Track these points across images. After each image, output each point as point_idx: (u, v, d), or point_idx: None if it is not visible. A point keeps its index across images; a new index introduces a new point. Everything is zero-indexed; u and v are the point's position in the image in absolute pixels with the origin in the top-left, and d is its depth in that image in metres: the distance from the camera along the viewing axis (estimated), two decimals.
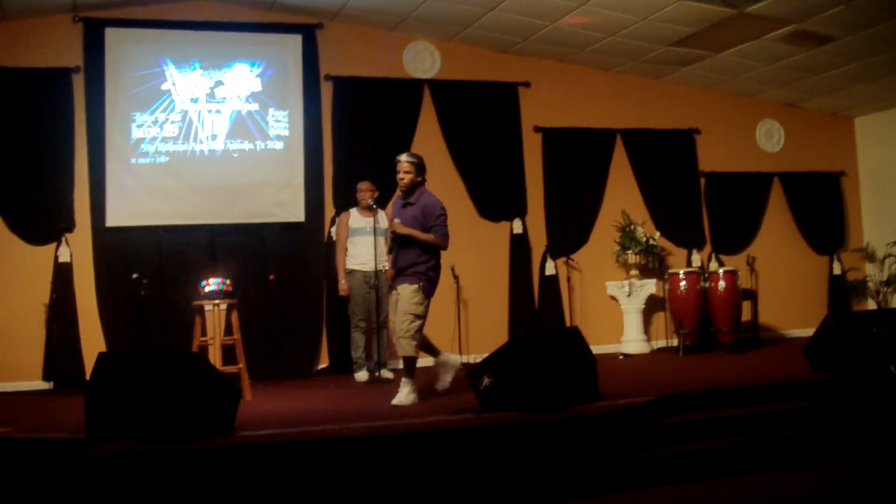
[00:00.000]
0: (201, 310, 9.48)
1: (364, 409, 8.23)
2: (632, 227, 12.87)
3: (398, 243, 8.59)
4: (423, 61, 12.57)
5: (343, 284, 10.70)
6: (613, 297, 13.02)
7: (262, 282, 11.48)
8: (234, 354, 9.54)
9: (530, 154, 12.95)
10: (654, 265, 12.96)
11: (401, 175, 8.74)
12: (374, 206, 10.38)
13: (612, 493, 6.58)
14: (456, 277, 11.76)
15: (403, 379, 8.44)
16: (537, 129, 13.00)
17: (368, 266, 10.35)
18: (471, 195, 12.63)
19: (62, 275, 11.14)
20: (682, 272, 12.33)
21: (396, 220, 8.63)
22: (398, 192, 8.93)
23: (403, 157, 8.86)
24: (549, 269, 12.88)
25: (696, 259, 13.51)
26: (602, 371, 7.94)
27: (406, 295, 8.42)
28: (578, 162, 13.11)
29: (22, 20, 11.27)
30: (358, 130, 12.20)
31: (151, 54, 11.64)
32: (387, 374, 10.70)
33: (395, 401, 8.29)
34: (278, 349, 11.42)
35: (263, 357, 11.07)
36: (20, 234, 11.13)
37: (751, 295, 12.69)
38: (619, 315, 12.95)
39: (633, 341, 12.76)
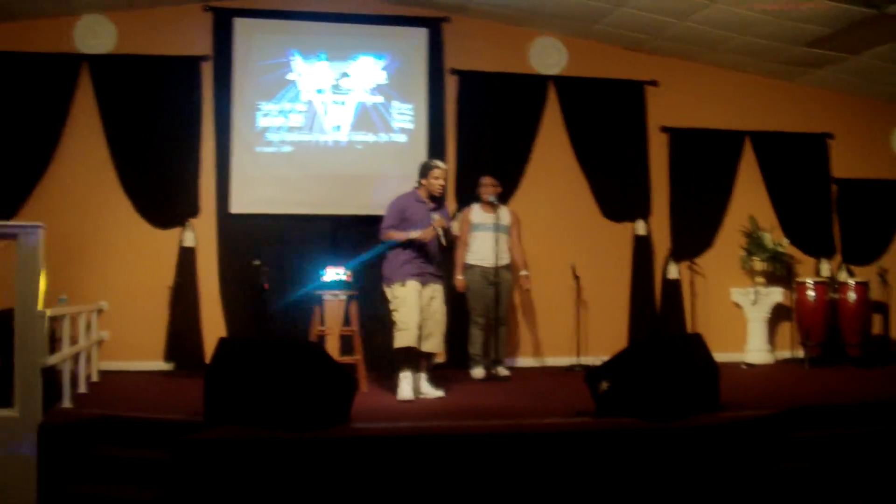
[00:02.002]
0: (320, 299, 9.56)
1: (478, 406, 8.20)
2: (759, 232, 12.55)
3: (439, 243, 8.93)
4: (548, 57, 12.47)
5: (460, 280, 10.72)
6: (738, 305, 12.72)
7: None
8: (352, 345, 9.61)
9: (656, 154, 12.72)
10: (781, 273, 12.59)
11: (442, 182, 8.99)
12: (497, 202, 10.41)
13: None
14: (577, 278, 11.66)
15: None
16: (664, 130, 12.78)
17: (488, 262, 10.35)
18: (594, 195, 12.45)
19: (186, 259, 11.37)
20: (810, 281, 12.06)
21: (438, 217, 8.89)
22: (424, 196, 9.03)
23: (445, 166, 9.22)
24: (672, 272, 12.64)
25: (826, 268, 13.05)
26: (724, 380, 7.69)
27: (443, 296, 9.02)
28: (705, 164, 12.82)
29: (153, 9, 11.52)
30: (481, 125, 12.14)
31: (279, 45, 11.79)
32: (503, 371, 10.65)
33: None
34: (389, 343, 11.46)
35: (381, 349, 11.11)
36: (147, 217, 11.37)
37: (882, 308, 12.30)
38: (743, 323, 12.63)
39: (756, 351, 12.43)
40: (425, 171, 8.99)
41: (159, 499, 6.27)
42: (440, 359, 11.31)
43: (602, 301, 12.31)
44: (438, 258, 9.01)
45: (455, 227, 10.41)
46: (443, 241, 8.83)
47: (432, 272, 8.90)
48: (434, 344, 8.85)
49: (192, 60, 11.58)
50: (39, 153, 11.16)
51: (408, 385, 8.55)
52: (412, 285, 8.68)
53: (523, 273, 10.76)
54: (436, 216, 8.80)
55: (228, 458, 6.32)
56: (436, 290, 8.90)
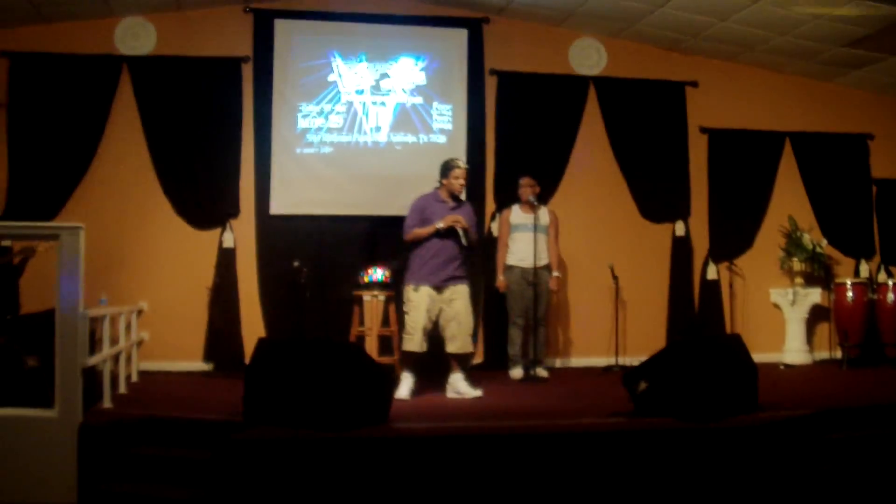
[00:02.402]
0: (360, 300, 9.58)
1: (516, 407, 8.16)
2: (798, 233, 12.43)
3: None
4: (588, 58, 12.40)
5: (501, 280, 10.70)
6: (776, 305, 12.62)
7: None
8: (391, 345, 9.62)
9: (695, 155, 12.64)
10: (819, 273, 12.50)
11: (462, 181, 9.02)
12: (536, 202, 10.39)
13: None
14: (615, 278, 11.62)
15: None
16: (703, 130, 12.68)
17: (527, 262, 10.31)
18: (633, 195, 12.40)
19: (225, 260, 11.41)
20: (849, 282, 11.96)
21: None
22: (445, 196, 9.05)
23: (465, 165, 9.23)
24: (711, 273, 12.55)
25: (865, 269, 12.90)
26: (762, 381, 7.58)
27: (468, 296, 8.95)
28: (745, 164, 12.72)
29: (195, 10, 11.57)
30: (521, 126, 12.11)
31: (319, 46, 11.80)
32: (542, 372, 10.57)
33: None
34: (434, 343, 11.44)
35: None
36: (187, 218, 11.43)
37: None
38: (782, 323, 12.51)
39: (795, 351, 12.31)
40: (446, 170, 8.98)
41: (199, 499, 6.30)
42: (478, 359, 11.32)
43: (640, 301, 12.26)
44: (461, 258, 8.93)
45: (495, 228, 10.39)
46: (463, 240, 8.79)
47: (453, 274, 8.83)
48: (459, 345, 8.80)
49: (232, 62, 11.62)
50: (80, 155, 11.23)
51: (406, 386, 8.60)
52: (424, 291, 8.69)
53: (555, 274, 10.71)
54: (455, 216, 8.81)
55: (268, 458, 6.31)
56: (456, 292, 8.82)
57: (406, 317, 8.77)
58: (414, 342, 8.63)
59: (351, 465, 6.32)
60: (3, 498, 6.42)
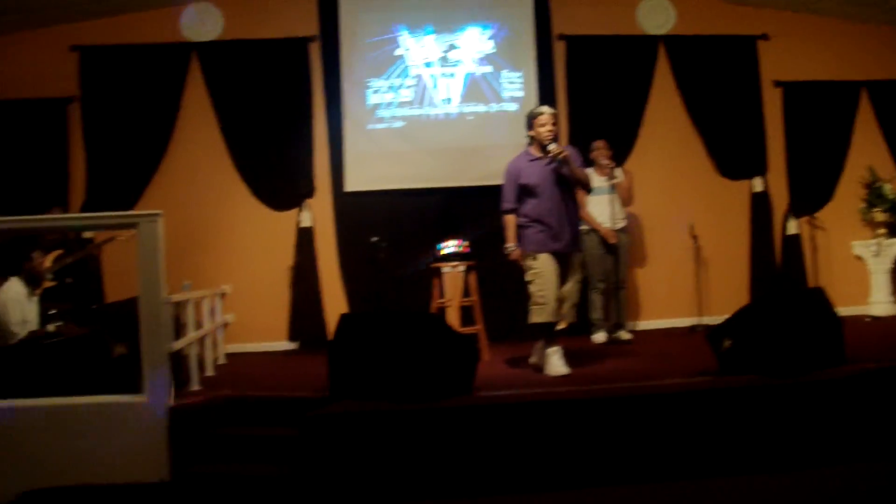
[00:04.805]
0: (439, 272, 9.55)
1: (601, 371, 8.07)
2: (879, 183, 12.06)
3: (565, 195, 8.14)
4: (657, 17, 12.10)
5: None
6: (859, 257, 12.24)
7: (500, 243, 11.41)
8: (472, 316, 9.58)
9: (770, 109, 12.31)
10: None
11: (550, 127, 8.08)
12: (611, 165, 10.28)
13: (864, 460, 6.31)
14: (695, 237, 11.48)
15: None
16: (777, 84, 12.31)
17: (605, 226, 10.22)
18: (710, 153, 12.09)
19: (304, 239, 11.46)
20: None
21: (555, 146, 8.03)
22: (536, 151, 8.19)
23: (550, 109, 8.27)
24: (792, 227, 12.22)
25: None
26: (848, 334, 7.36)
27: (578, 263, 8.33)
28: (821, 116, 12.28)
29: None
30: (592, 90, 11.86)
31: (385, 21, 11.71)
32: (625, 335, 10.45)
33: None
34: (516, 310, 11.37)
35: (501, 318, 11.04)
36: (264, 200, 11.50)
37: None
38: (866, 275, 12.12)
39: (880, 303, 11.91)
40: (530, 120, 8.20)
41: (288, 475, 6.32)
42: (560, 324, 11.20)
43: (721, 260, 11.99)
44: (573, 222, 8.21)
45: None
46: (565, 170, 7.99)
47: (567, 242, 8.09)
48: (569, 313, 8.27)
49: (299, 42, 11.60)
50: (155, 143, 11.35)
51: (558, 359, 7.99)
52: (544, 258, 7.98)
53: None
54: (553, 145, 7.99)
55: (354, 432, 6.33)
56: (570, 259, 8.17)
57: (531, 286, 8.04)
58: (546, 311, 7.91)
59: (437, 436, 6.31)
60: (102, 480, 6.53)
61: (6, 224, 7.33)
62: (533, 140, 8.19)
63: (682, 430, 6.40)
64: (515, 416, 6.40)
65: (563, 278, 8.05)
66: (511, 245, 8.18)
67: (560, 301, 8.04)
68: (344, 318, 7.16)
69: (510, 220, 8.19)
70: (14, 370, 7.09)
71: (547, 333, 8.08)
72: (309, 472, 6.27)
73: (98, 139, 11.28)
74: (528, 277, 8.06)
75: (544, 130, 8.03)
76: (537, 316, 7.95)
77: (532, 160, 8.13)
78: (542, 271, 7.94)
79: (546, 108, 8.23)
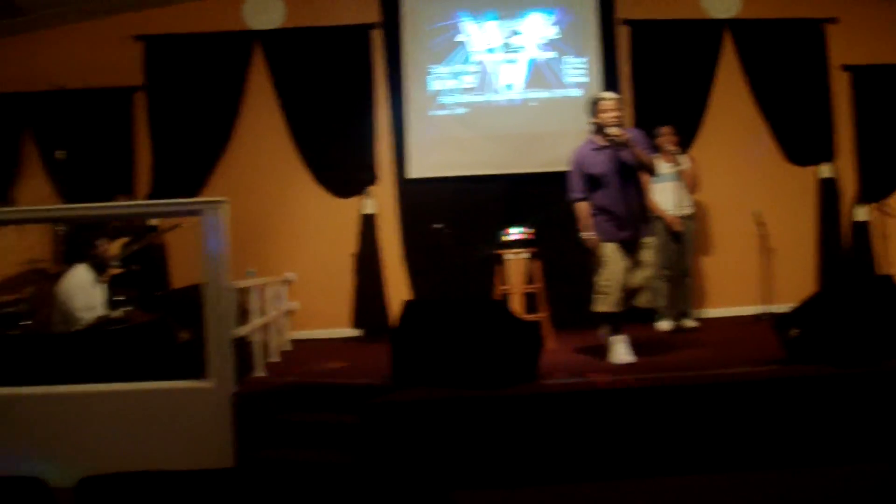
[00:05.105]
0: (501, 259, 9.51)
1: (667, 359, 8.00)
2: None
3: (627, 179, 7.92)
4: (722, 1, 12.07)
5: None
6: None
7: (564, 230, 11.32)
8: (536, 303, 9.54)
9: (838, 94, 12.09)
10: None
11: (614, 113, 7.84)
12: (676, 151, 10.17)
13: None
14: (761, 224, 11.34)
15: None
16: (846, 68, 12.08)
17: (671, 213, 10.13)
18: (777, 138, 11.87)
19: (368, 226, 11.47)
20: None
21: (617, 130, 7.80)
22: (600, 140, 7.93)
23: (613, 95, 8.08)
24: (860, 214, 12.05)
25: None
26: None
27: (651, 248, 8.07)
28: (892, 101, 12.01)
29: None
30: (657, 75, 11.70)
31: (446, 7, 11.68)
32: (690, 323, 10.32)
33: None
34: (581, 297, 11.27)
35: (566, 305, 10.97)
36: (328, 187, 11.53)
37: None
38: None
39: None
40: (593, 107, 7.95)
41: (352, 462, 6.32)
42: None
43: (788, 247, 11.78)
44: (641, 213, 8.08)
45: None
46: (627, 155, 7.76)
47: (635, 230, 7.93)
48: (644, 300, 8.05)
49: (361, 29, 11.59)
50: (220, 131, 11.44)
51: (623, 346, 7.89)
52: (611, 248, 7.83)
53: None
54: (614, 129, 7.77)
55: (417, 419, 6.32)
56: (642, 245, 7.97)
57: (597, 275, 7.93)
58: (609, 301, 7.80)
59: (501, 424, 6.28)
60: (168, 464, 6.55)
61: (73, 212, 7.42)
62: (596, 127, 7.97)
63: (749, 419, 6.34)
64: (580, 404, 6.36)
65: (633, 265, 7.90)
66: (588, 233, 7.99)
67: (629, 291, 7.88)
68: (408, 305, 7.16)
69: (583, 208, 8.02)
70: (80, 355, 7.15)
71: (611, 322, 7.97)
72: (372, 459, 6.26)
73: (163, 127, 11.39)
74: (595, 265, 7.94)
75: (608, 116, 7.80)
76: (601, 305, 7.85)
77: (595, 149, 7.93)
78: (608, 260, 7.82)
79: (610, 94, 8.09)
